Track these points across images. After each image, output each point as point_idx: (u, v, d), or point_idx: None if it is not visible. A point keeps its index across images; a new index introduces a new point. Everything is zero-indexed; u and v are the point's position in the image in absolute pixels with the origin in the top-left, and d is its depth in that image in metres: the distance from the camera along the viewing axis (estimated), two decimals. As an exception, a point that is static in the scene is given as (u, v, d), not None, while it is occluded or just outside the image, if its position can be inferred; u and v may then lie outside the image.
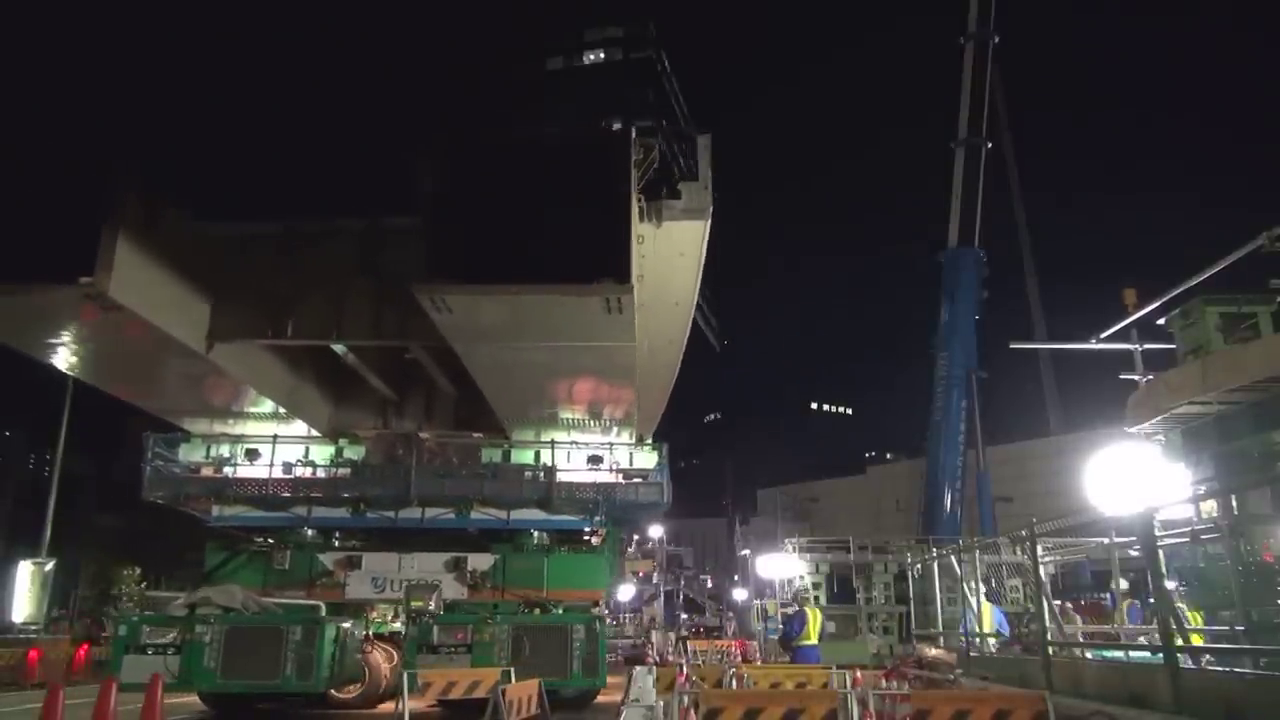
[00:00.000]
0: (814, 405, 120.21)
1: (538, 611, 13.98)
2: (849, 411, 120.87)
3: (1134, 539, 10.81)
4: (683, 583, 55.78)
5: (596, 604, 14.99)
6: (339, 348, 13.46)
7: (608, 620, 14.07)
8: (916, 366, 37.06)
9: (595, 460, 15.29)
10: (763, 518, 63.27)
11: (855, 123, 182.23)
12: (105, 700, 9.84)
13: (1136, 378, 14.31)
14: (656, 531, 50.92)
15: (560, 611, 13.98)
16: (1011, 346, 26.66)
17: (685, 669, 12.09)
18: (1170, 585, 9.18)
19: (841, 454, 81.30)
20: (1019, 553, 14.28)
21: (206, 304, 12.57)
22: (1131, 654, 8.95)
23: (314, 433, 15.85)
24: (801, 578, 23.60)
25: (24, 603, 24.34)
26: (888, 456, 66.48)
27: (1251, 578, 9.15)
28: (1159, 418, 10.67)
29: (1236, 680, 6.04)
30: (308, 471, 15.17)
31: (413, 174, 10.57)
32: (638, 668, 10.02)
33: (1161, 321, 12.33)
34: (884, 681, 11.72)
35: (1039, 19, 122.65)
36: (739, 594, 49.63)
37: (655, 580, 50.40)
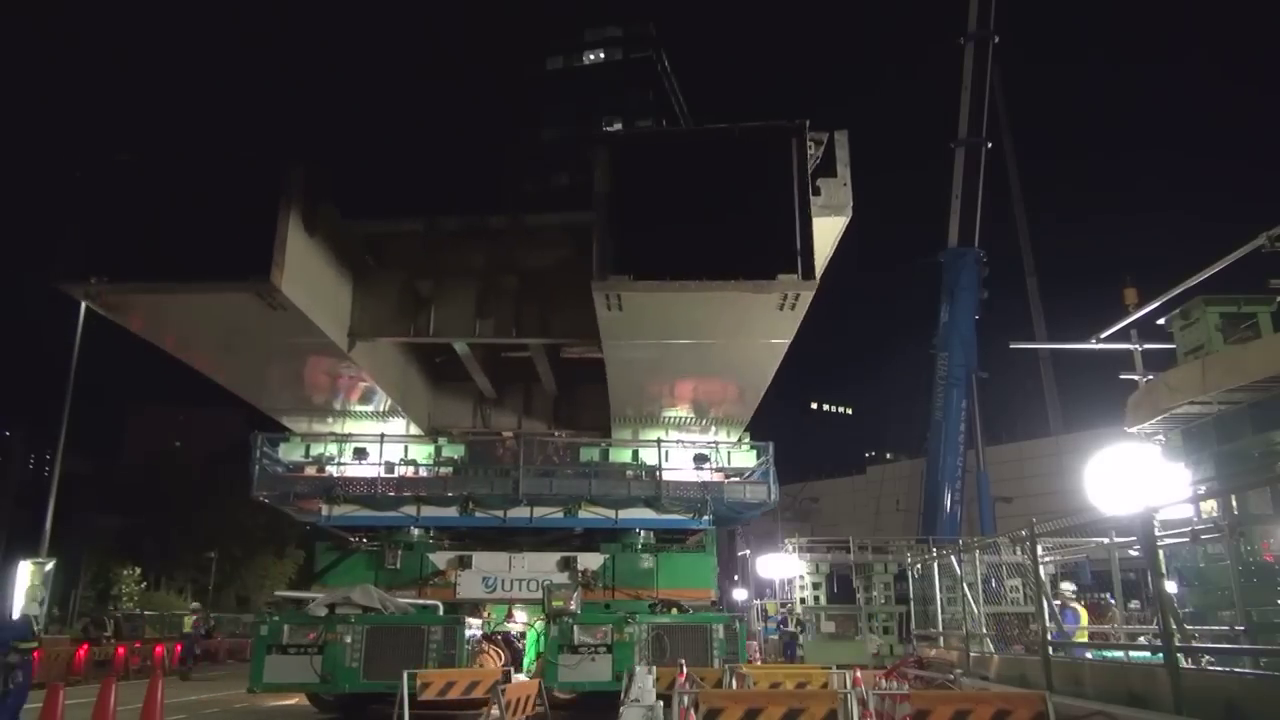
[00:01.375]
0: (814, 405, 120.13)
1: (674, 611, 13.84)
2: (849, 411, 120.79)
3: (1134, 539, 10.81)
4: (683, 582, 55.66)
5: (715, 603, 14.82)
6: (459, 345, 13.36)
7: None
8: (916, 366, 36.92)
9: (701, 459, 15.14)
10: (763, 518, 63.09)
11: (855, 121, 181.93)
12: (105, 700, 9.86)
13: (1136, 378, 14.25)
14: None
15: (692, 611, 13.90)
16: (1011, 346, 26.63)
17: (685, 669, 12.07)
18: (1170, 585, 9.17)
19: (841, 454, 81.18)
20: (1019, 553, 14.26)
21: (348, 301, 12.57)
22: (1131, 654, 8.95)
23: (412, 431, 15.70)
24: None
25: (24, 603, 24.32)
26: (888, 456, 66.24)
27: (1251, 578, 9.16)
28: (1159, 418, 10.67)
29: (1236, 680, 6.04)
30: (410, 470, 15.04)
31: (558, 171, 10.29)
32: (638, 667, 9.99)
33: (1161, 321, 12.30)
34: (884, 681, 11.71)
35: (1040, 19, 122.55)
36: (739, 594, 49.61)
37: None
